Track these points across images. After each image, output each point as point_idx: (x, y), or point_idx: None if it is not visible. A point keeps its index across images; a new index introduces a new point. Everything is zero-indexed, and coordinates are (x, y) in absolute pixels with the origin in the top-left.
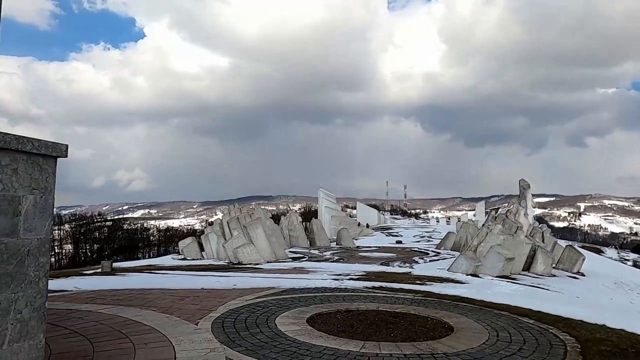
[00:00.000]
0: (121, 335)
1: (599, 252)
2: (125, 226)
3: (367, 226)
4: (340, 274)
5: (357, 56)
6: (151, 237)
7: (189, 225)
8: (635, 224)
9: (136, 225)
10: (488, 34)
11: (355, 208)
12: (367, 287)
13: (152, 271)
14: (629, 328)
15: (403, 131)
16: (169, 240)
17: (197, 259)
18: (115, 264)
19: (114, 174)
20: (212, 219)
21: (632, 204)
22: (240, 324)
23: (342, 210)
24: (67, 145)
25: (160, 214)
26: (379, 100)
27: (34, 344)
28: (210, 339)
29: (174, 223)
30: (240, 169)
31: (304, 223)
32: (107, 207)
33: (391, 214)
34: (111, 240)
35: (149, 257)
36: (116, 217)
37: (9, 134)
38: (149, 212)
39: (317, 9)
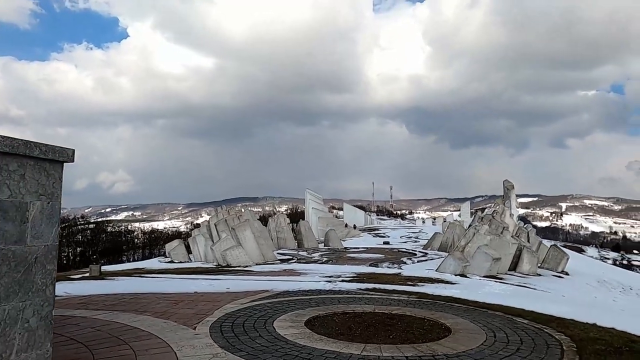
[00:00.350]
0: (120, 342)
1: (581, 251)
2: (109, 229)
3: (354, 227)
4: (331, 276)
5: (343, 57)
6: (136, 240)
7: (174, 227)
8: (615, 223)
9: (120, 228)
10: (472, 37)
11: (341, 209)
12: (360, 289)
13: (142, 275)
14: (619, 326)
15: (389, 133)
16: (154, 242)
17: (185, 262)
18: (103, 268)
19: (97, 175)
20: (198, 221)
21: (611, 204)
22: (239, 328)
23: (328, 211)
24: (73, 150)
25: (144, 216)
26: (365, 102)
27: (42, 354)
28: (211, 344)
29: (159, 225)
30: (226, 171)
31: (291, 224)
32: (89, 209)
33: (377, 215)
34: (94, 243)
35: (134, 260)
36: (99, 219)
37: (17, 138)
38: (132, 214)
39: (303, 10)
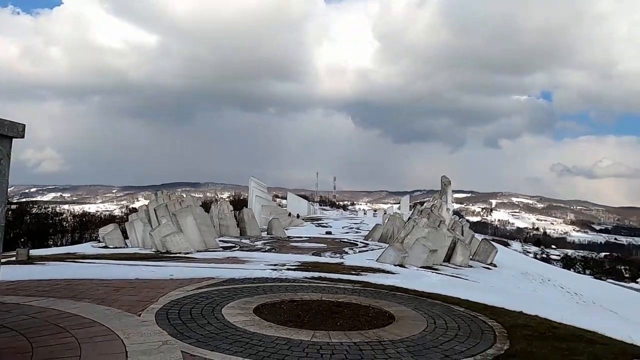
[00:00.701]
0: (60, 329)
1: (507, 245)
2: (34, 210)
3: (298, 216)
4: (276, 264)
5: (293, 46)
6: (64, 223)
7: (107, 210)
8: (537, 220)
9: (47, 210)
10: (419, 36)
11: (285, 198)
12: (307, 278)
13: (75, 260)
14: (542, 314)
15: (335, 124)
16: (85, 226)
17: (121, 247)
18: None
19: (21, 152)
20: (134, 205)
21: (535, 202)
22: (186, 315)
23: (272, 200)
24: (24, 125)
25: (74, 198)
26: (312, 92)
27: None
28: (160, 331)
29: (91, 208)
30: (166, 154)
31: (234, 212)
32: (12, 188)
33: (320, 205)
34: (17, 225)
35: (61, 245)
36: (23, 199)
37: None
38: (61, 195)
39: None
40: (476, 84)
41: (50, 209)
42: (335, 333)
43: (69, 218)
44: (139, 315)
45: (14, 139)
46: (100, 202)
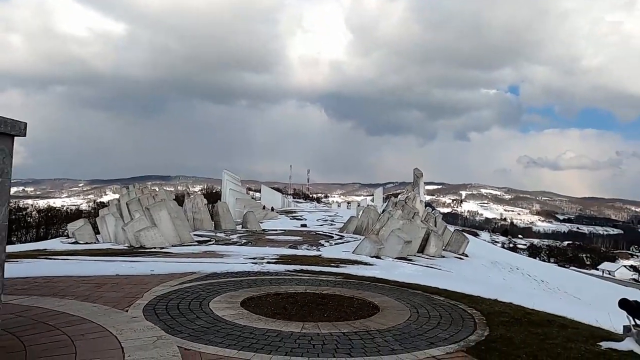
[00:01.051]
0: (50, 328)
1: (476, 235)
2: None
3: (272, 209)
4: (255, 258)
5: (265, 37)
6: (28, 218)
7: (74, 205)
8: (505, 210)
9: (9, 205)
10: (391, 30)
11: (257, 191)
12: (288, 270)
13: (48, 257)
14: (515, 302)
15: (308, 116)
16: (50, 221)
17: (92, 243)
18: None
19: None
20: (102, 199)
21: (503, 193)
22: (174, 310)
23: (246, 193)
24: (25, 123)
25: (38, 193)
26: (285, 84)
27: None
28: (153, 327)
29: (56, 202)
30: (135, 147)
31: (207, 205)
32: None
33: (294, 198)
34: None
35: (26, 241)
36: None
37: None
38: (24, 189)
39: None
40: (446, 77)
41: (12, 204)
42: (323, 324)
43: (33, 213)
44: (127, 311)
45: (15, 137)
46: (66, 197)
